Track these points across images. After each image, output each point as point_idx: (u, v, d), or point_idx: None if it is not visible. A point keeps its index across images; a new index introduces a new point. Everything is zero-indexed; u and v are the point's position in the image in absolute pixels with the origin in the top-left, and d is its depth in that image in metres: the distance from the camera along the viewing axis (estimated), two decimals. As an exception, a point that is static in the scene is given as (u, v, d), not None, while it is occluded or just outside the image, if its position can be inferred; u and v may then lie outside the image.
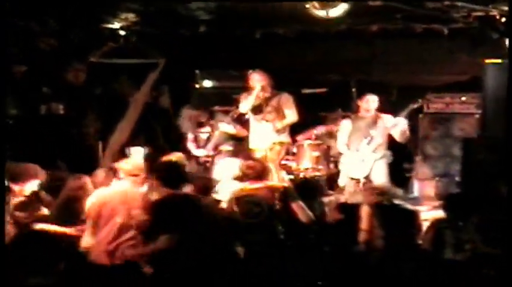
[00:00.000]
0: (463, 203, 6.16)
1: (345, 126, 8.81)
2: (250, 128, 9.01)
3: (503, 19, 7.90)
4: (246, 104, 8.79)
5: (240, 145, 9.54)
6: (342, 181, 8.81)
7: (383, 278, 6.07)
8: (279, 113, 8.77)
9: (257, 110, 8.82)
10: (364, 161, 8.50)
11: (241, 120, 9.25)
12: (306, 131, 9.73)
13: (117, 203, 5.99)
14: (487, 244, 5.76)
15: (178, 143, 9.79)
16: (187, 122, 9.62)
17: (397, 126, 8.52)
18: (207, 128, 9.66)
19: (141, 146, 9.85)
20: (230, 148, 9.44)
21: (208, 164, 9.43)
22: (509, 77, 6.81)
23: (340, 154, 9.10)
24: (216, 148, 9.40)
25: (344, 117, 9.13)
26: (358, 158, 8.54)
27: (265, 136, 8.78)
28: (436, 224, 6.38)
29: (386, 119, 8.62)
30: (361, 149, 8.55)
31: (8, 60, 7.13)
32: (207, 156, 9.53)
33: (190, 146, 9.62)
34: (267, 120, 8.77)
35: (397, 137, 8.55)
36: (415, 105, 8.88)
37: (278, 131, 8.74)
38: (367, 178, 8.53)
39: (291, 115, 8.77)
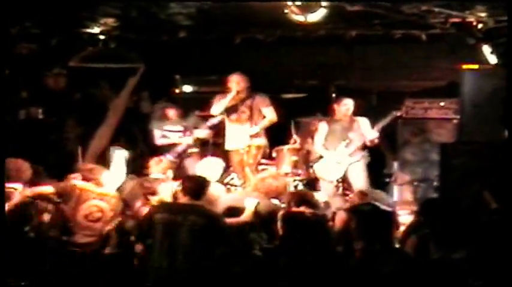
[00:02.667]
0: (436, 208, 6.20)
1: (321, 128, 8.95)
2: (226, 130, 9.07)
3: (480, 25, 7.98)
4: (218, 107, 8.88)
5: (205, 147, 9.56)
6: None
7: (361, 283, 6.12)
8: (255, 113, 8.85)
9: (231, 111, 8.90)
10: (340, 164, 8.65)
11: (217, 126, 9.30)
12: (285, 136, 9.75)
13: None
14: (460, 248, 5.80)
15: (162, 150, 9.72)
16: (158, 118, 9.58)
17: (369, 136, 8.72)
18: (178, 127, 9.52)
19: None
20: (196, 150, 9.45)
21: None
22: (508, 80, 6.86)
23: (320, 158, 9.21)
24: (184, 151, 9.40)
25: (320, 121, 9.21)
26: (333, 160, 8.69)
27: (240, 138, 8.86)
28: (410, 228, 6.44)
29: (362, 122, 8.76)
30: (338, 152, 8.68)
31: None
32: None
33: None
34: (241, 122, 8.84)
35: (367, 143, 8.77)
36: (398, 113, 9.04)
37: (255, 134, 8.84)
38: (341, 181, 8.68)
39: (269, 114, 8.89)
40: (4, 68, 8.92)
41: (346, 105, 8.78)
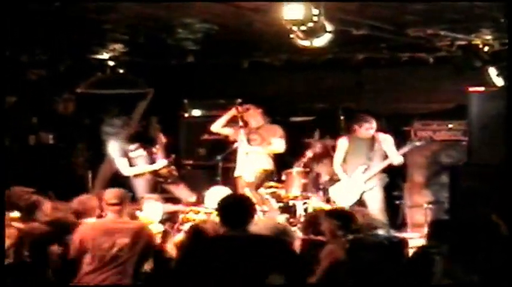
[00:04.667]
0: (446, 230, 6.16)
1: (341, 144, 8.96)
2: (237, 156, 9.14)
3: (486, 48, 7.98)
4: (218, 124, 9.14)
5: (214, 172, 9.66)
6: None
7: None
8: (266, 142, 8.94)
9: (244, 138, 8.98)
10: (354, 191, 8.65)
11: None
12: (294, 159, 9.74)
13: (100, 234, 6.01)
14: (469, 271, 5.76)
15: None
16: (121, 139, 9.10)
17: (394, 159, 8.75)
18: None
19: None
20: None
21: None
22: (508, 102, 6.85)
23: (329, 181, 9.22)
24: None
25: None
26: (348, 187, 8.68)
27: (250, 165, 8.91)
28: (420, 251, 6.39)
29: (385, 139, 8.77)
30: (354, 177, 8.68)
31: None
32: None
33: None
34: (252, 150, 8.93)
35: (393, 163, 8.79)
36: (418, 143, 9.05)
37: (262, 159, 8.89)
38: (353, 206, 8.67)
39: (278, 144, 8.96)
40: (13, 94, 9.06)
41: (371, 127, 8.80)
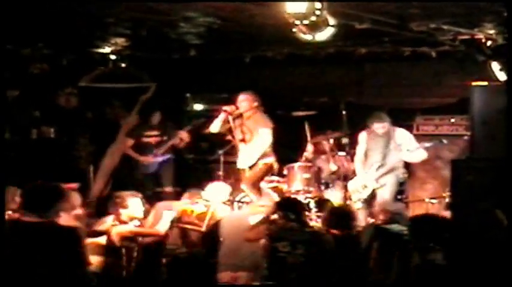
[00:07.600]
0: (430, 225, 6.15)
1: (362, 139, 9.01)
2: (237, 149, 9.12)
3: (489, 42, 7.98)
4: (214, 126, 8.96)
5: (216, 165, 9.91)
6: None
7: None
8: (254, 133, 8.86)
9: (238, 132, 8.92)
10: (366, 187, 8.71)
11: None
12: (296, 153, 9.74)
13: None
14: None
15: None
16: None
17: (415, 155, 8.77)
18: (155, 132, 9.71)
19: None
20: None
21: None
22: (508, 96, 6.84)
23: (332, 174, 9.25)
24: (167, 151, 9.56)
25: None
26: (362, 182, 8.76)
27: (247, 157, 8.87)
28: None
29: (401, 135, 8.83)
30: (368, 174, 8.79)
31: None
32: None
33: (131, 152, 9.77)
34: (245, 142, 8.86)
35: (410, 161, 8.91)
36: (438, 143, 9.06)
37: (258, 153, 8.87)
38: (364, 202, 8.74)
39: (263, 135, 8.77)
40: (15, 87, 9.07)
41: (381, 127, 8.81)
